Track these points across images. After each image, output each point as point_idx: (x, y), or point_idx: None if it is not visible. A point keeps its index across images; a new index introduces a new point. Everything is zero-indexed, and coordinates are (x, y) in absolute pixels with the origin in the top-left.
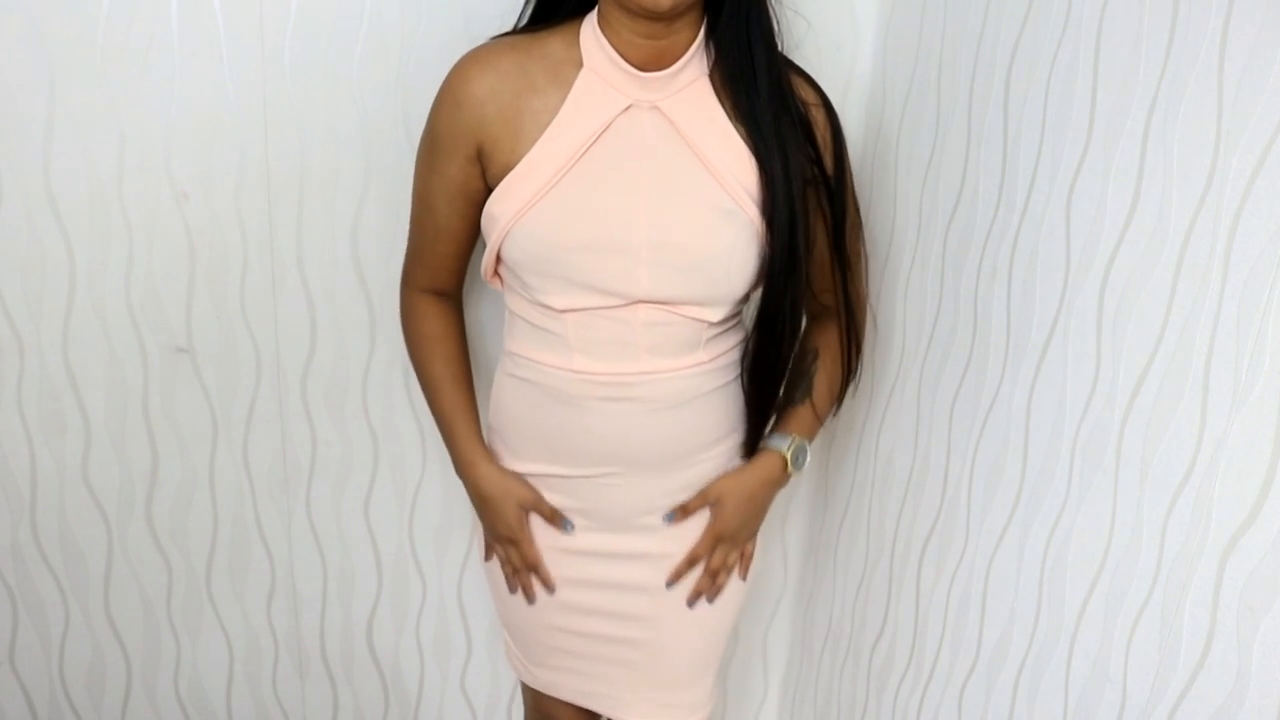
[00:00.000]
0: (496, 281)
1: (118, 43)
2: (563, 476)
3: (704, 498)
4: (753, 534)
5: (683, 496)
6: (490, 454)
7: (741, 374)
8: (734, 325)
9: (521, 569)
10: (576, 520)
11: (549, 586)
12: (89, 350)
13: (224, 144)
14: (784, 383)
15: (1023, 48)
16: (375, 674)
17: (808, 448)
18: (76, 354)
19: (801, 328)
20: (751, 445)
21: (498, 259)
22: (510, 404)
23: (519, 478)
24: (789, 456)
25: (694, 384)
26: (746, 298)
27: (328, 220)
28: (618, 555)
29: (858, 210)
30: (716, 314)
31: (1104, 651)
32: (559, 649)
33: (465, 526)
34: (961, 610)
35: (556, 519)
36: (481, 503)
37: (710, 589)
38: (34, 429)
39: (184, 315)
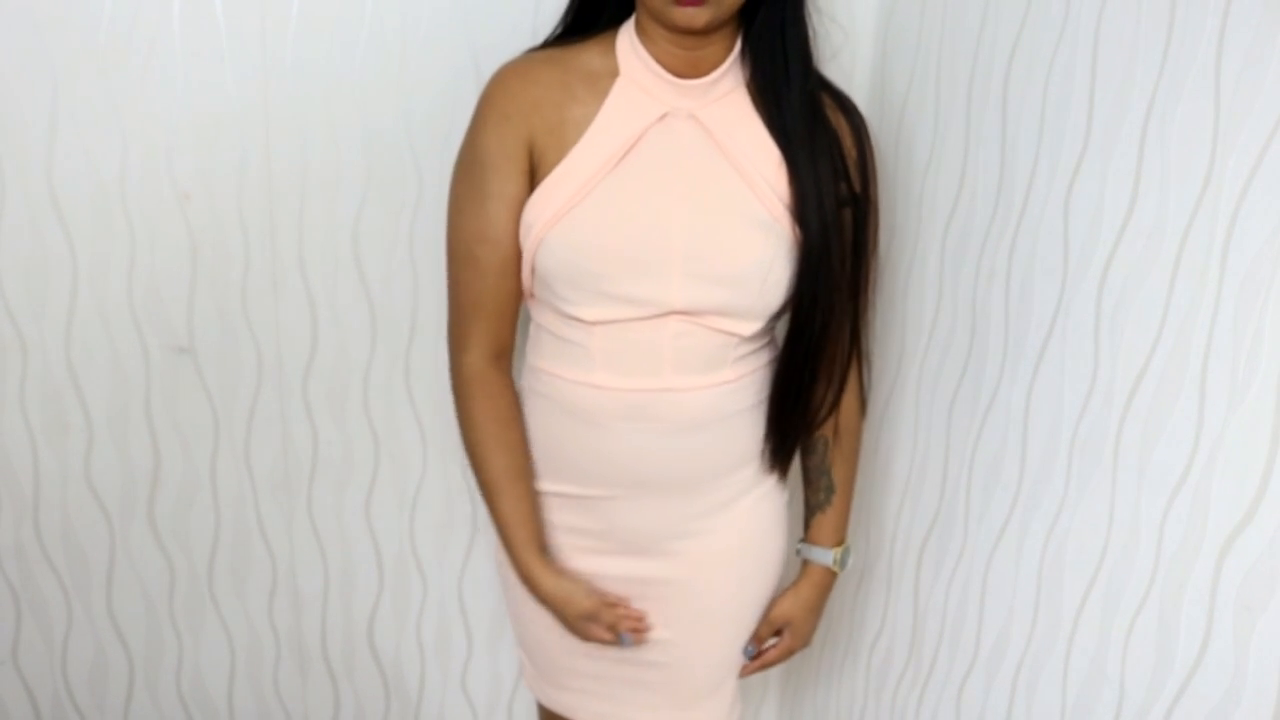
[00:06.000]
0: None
1: (120, 44)
2: (581, 497)
3: (772, 625)
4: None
5: (703, 522)
6: (549, 562)
7: (771, 393)
8: (763, 345)
9: (613, 626)
10: (595, 542)
11: (641, 623)
12: (91, 350)
13: (226, 144)
14: (804, 480)
15: (1021, 49)
16: (376, 672)
17: (849, 549)
18: (79, 354)
19: (828, 347)
20: (773, 465)
21: (530, 270)
22: (529, 420)
23: (581, 585)
24: (837, 568)
25: (717, 403)
26: (780, 314)
27: (329, 221)
28: (636, 580)
29: (878, 235)
30: (749, 328)
31: (1101, 650)
32: (577, 671)
33: (465, 526)
34: (960, 609)
35: (614, 634)
36: (553, 610)
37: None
38: (36, 429)
39: (186, 315)
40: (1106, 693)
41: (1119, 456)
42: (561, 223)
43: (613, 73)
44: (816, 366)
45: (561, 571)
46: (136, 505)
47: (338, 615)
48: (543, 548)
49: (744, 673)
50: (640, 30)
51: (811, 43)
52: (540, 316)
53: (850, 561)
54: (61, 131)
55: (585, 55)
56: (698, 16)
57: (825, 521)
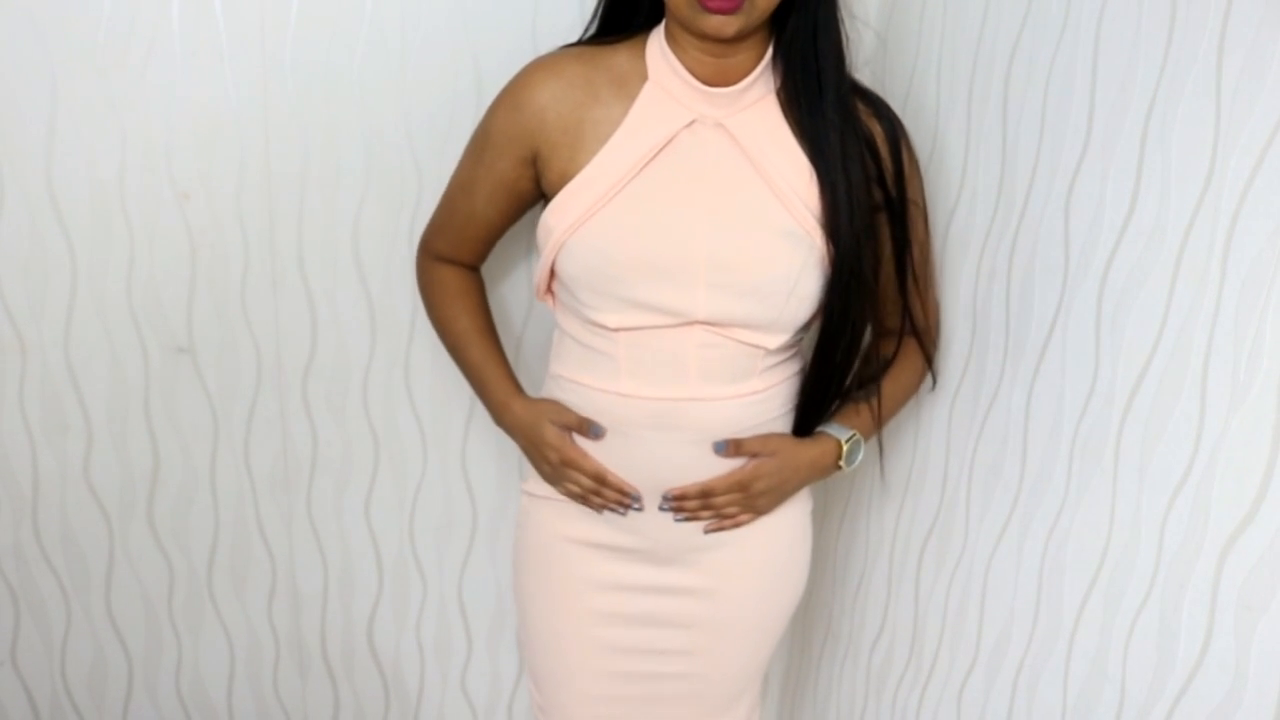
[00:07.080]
0: (549, 299)
1: (119, 43)
2: None
3: (764, 443)
4: (769, 507)
5: (728, 533)
6: (520, 390)
7: (797, 404)
8: (791, 356)
9: (595, 487)
10: (617, 550)
11: (629, 491)
12: (90, 350)
13: (225, 144)
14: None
15: (1021, 49)
16: (376, 673)
17: (862, 448)
18: (78, 354)
19: (857, 359)
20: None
21: (551, 274)
22: None
23: (546, 399)
24: (846, 448)
25: (744, 414)
26: (808, 326)
27: (328, 220)
28: (658, 589)
29: (928, 231)
30: (775, 340)
31: (1102, 650)
32: (591, 696)
33: (465, 526)
34: (960, 609)
35: (585, 426)
36: (524, 438)
37: (692, 518)
38: (36, 429)
39: (185, 315)
40: (1107, 693)
41: (1120, 457)
42: (583, 228)
43: (641, 76)
44: (845, 380)
45: (531, 398)
46: (136, 505)
47: (337, 616)
48: (515, 386)
49: (673, 504)
50: (670, 36)
51: (845, 49)
52: (564, 322)
53: (856, 462)
54: (60, 131)
55: (616, 56)
56: (728, 25)
57: (852, 410)
